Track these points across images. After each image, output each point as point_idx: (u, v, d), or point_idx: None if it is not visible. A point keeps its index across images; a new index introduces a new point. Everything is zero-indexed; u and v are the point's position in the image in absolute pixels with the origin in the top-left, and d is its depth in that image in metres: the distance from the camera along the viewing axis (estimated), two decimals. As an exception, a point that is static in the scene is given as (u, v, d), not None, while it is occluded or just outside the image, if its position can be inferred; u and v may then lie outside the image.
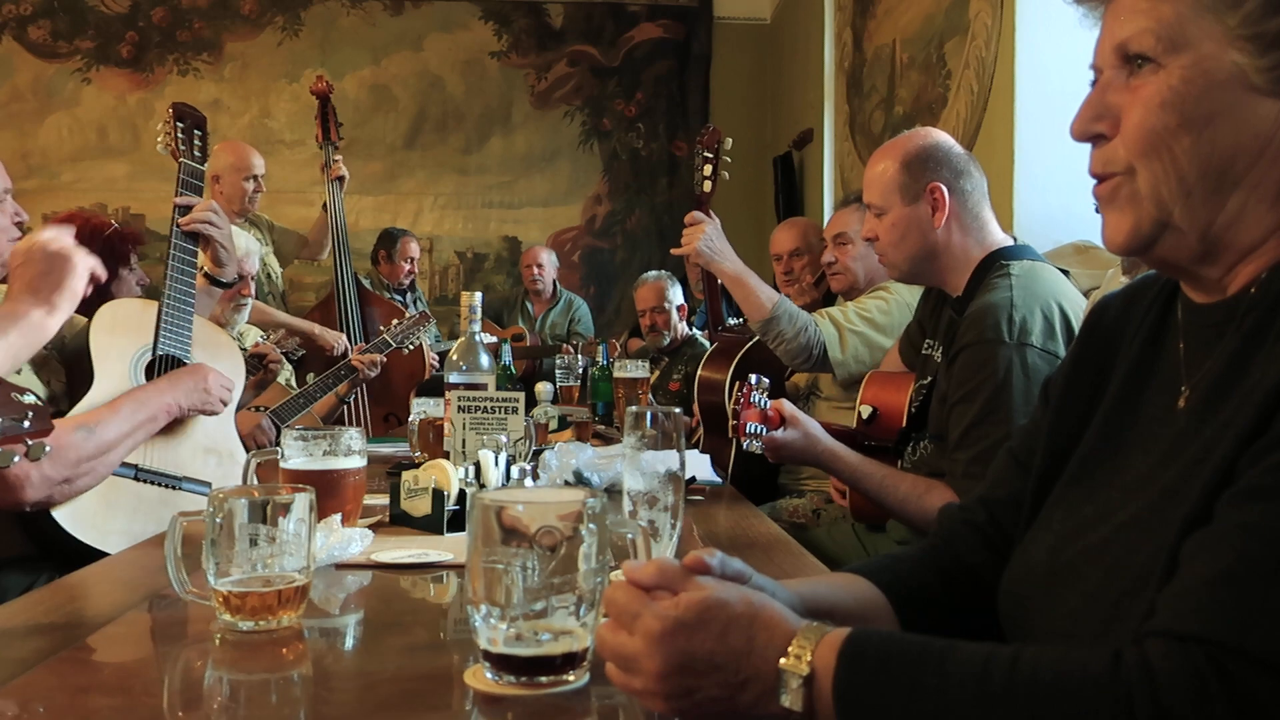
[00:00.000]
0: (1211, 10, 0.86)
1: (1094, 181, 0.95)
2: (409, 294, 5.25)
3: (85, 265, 1.94)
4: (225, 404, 2.19)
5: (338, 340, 4.13)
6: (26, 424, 1.15)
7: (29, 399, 1.18)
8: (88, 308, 2.36)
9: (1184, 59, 0.86)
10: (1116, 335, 1.04)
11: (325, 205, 4.65)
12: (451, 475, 1.64)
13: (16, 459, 1.15)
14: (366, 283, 4.97)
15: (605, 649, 0.84)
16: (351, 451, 1.57)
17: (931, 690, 0.74)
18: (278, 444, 1.60)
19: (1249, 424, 0.77)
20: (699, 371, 3.19)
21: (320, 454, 1.56)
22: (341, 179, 4.60)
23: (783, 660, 0.78)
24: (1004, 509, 1.09)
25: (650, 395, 3.25)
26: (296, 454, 1.55)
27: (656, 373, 4.08)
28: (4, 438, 1.13)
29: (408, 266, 5.20)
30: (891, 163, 2.01)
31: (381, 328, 3.81)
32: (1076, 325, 1.84)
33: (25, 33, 6.44)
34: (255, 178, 4.27)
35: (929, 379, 2.07)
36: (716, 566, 0.87)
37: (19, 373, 2.02)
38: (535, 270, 5.80)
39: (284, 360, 3.41)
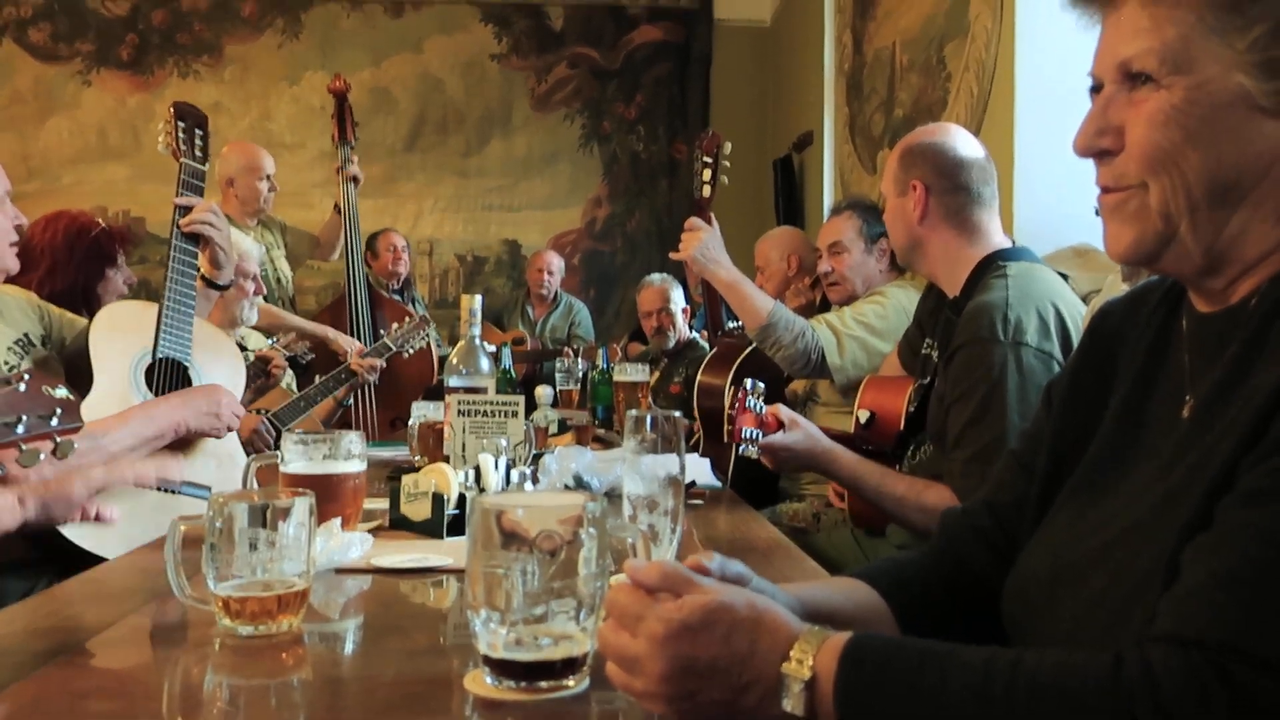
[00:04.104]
0: (1217, 33, 0.86)
1: (1097, 188, 0.95)
2: (405, 293, 5.24)
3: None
4: (232, 430, 2.19)
5: (351, 346, 4.11)
6: (55, 421, 1.13)
7: (60, 393, 1.15)
8: (73, 308, 2.37)
9: (1188, 80, 0.87)
10: (1120, 341, 1.04)
11: (337, 206, 4.64)
12: (451, 479, 1.64)
13: (43, 457, 1.12)
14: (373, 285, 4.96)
15: (607, 650, 0.84)
16: (351, 455, 1.57)
17: (932, 694, 0.75)
18: (277, 447, 1.60)
19: (1248, 428, 0.77)
20: (699, 376, 3.19)
21: (320, 458, 1.55)
22: (356, 179, 4.58)
23: (785, 664, 0.78)
24: (1008, 513, 1.09)
25: (650, 398, 3.25)
26: (296, 458, 1.55)
27: (656, 375, 4.08)
28: (30, 435, 1.11)
29: (390, 255, 5.17)
30: (896, 153, 2.08)
31: (382, 331, 3.80)
32: (1072, 327, 1.84)
33: (25, 35, 6.44)
34: (268, 177, 4.25)
35: (928, 379, 2.07)
36: (715, 570, 0.87)
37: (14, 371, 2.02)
38: (546, 276, 5.79)
39: (287, 367, 3.40)
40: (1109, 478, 0.96)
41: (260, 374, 3.12)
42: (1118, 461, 0.96)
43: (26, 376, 1.13)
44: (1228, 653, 0.69)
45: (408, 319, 3.73)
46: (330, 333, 4.12)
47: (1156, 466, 0.90)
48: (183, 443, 2.15)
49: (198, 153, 2.42)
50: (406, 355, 3.67)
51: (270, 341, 3.48)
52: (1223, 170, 0.87)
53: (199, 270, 2.37)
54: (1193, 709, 0.68)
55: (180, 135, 2.40)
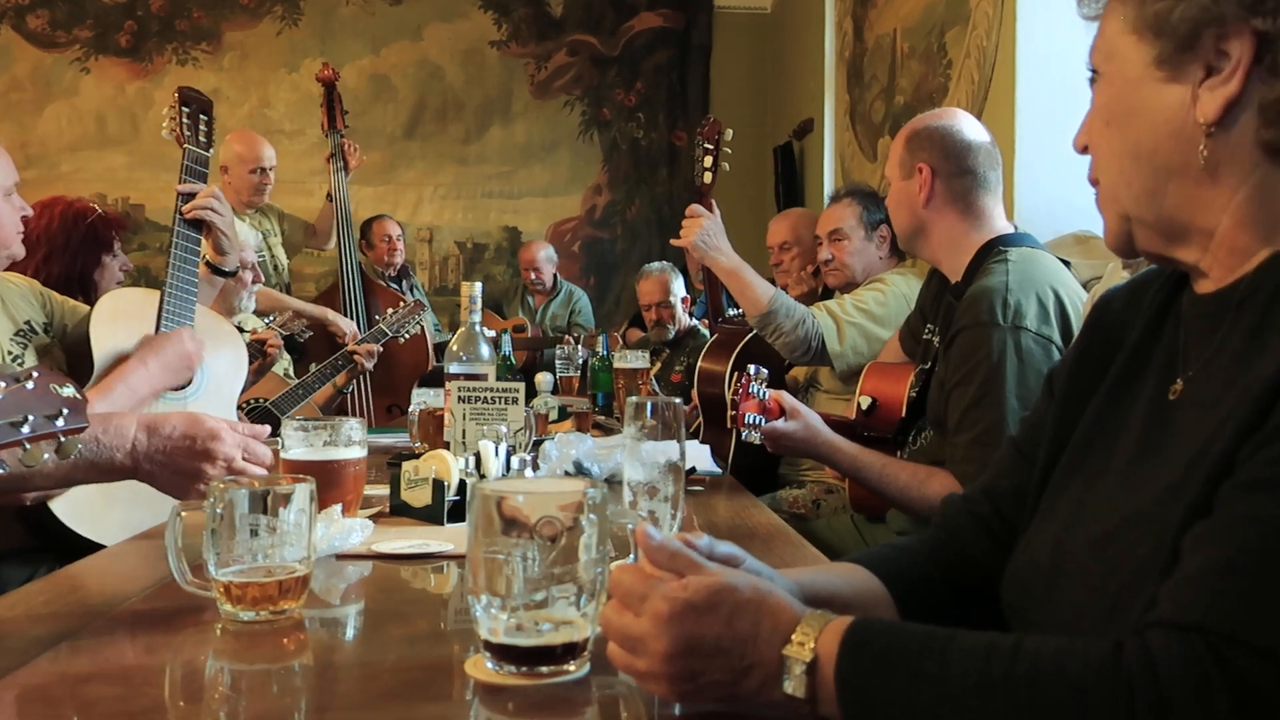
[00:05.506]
0: (1122, 14, 0.92)
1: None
2: (404, 281, 5.23)
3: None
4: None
5: (350, 327, 4.11)
6: (61, 421, 1.11)
7: (68, 392, 1.13)
8: (69, 294, 2.36)
9: (1113, 65, 0.92)
10: (1120, 328, 1.04)
11: (330, 195, 4.64)
12: (452, 466, 1.64)
13: (47, 457, 1.11)
14: (366, 274, 4.96)
15: (610, 630, 0.84)
16: (352, 442, 1.57)
17: (933, 678, 0.75)
18: (274, 434, 1.60)
19: (1248, 416, 0.77)
20: (699, 363, 3.19)
21: (320, 444, 1.55)
22: (346, 167, 4.58)
23: (787, 647, 0.79)
24: (1007, 500, 1.09)
25: (654, 385, 3.25)
26: (296, 444, 1.55)
27: (658, 364, 4.08)
28: (34, 435, 1.09)
29: (386, 245, 5.16)
30: (901, 137, 2.08)
31: (377, 316, 3.80)
32: (1072, 312, 1.85)
33: (24, 22, 6.42)
34: (263, 170, 4.24)
35: (929, 364, 2.07)
36: (704, 548, 0.88)
37: (19, 361, 2.02)
38: (533, 274, 5.76)
39: (282, 348, 3.40)
40: (1099, 456, 0.97)
41: (256, 355, 3.12)
42: (1107, 440, 0.97)
43: (35, 374, 1.12)
44: (1227, 640, 0.69)
45: (402, 304, 3.73)
46: (330, 314, 4.12)
47: (1145, 445, 0.91)
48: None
49: (201, 138, 2.40)
50: (402, 340, 3.67)
51: (266, 321, 3.48)
52: (1142, 144, 0.91)
53: (202, 256, 2.37)
54: (1192, 696, 0.68)
55: (184, 121, 2.39)
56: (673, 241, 2.78)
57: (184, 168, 2.35)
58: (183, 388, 2.18)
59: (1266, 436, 0.75)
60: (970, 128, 2.03)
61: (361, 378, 4.04)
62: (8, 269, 2.15)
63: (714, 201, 2.80)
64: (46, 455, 1.11)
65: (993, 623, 1.01)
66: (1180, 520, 0.79)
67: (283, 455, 1.55)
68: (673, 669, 0.79)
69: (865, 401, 2.31)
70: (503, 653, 0.90)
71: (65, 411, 1.12)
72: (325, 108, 4.70)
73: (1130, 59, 0.91)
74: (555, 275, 5.89)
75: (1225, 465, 0.78)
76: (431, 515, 1.63)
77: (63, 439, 1.12)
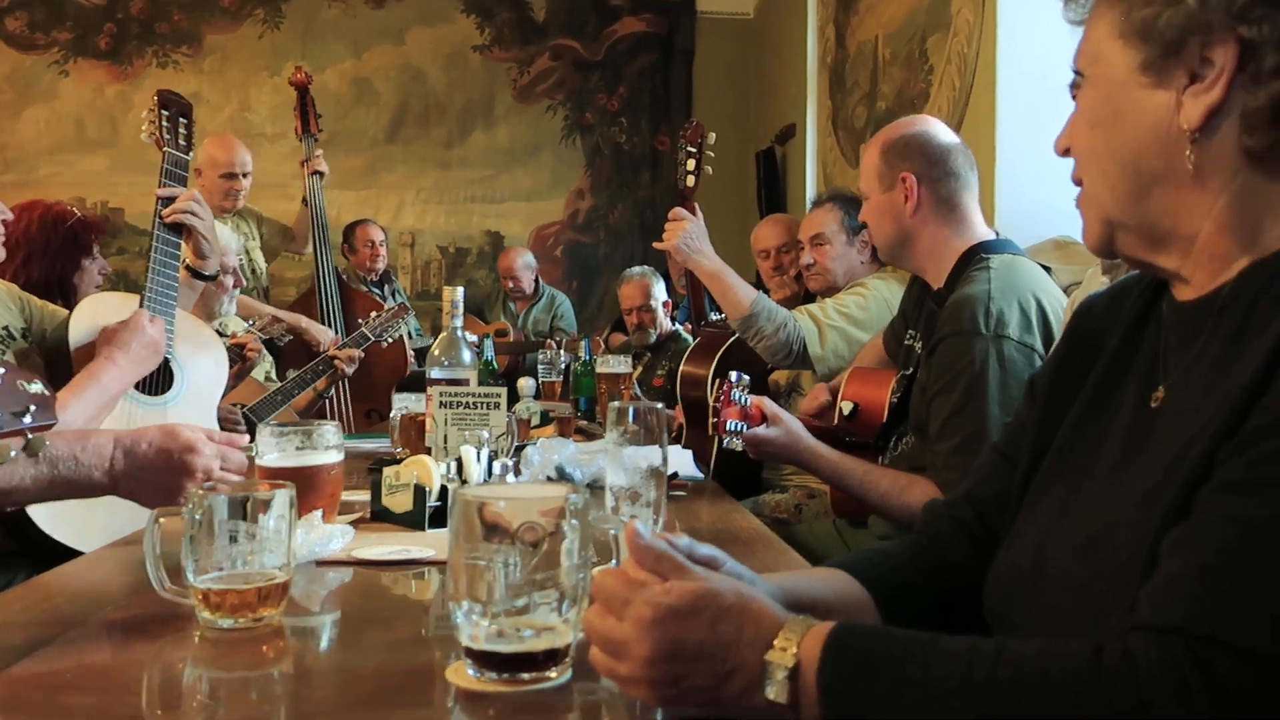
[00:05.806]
0: (1109, 18, 0.92)
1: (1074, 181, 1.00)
2: (385, 286, 5.21)
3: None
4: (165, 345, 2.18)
5: (325, 335, 4.08)
6: (28, 418, 1.09)
7: (35, 388, 1.11)
8: (48, 298, 2.34)
9: (1098, 69, 0.93)
10: (1101, 334, 1.05)
11: (305, 199, 4.61)
12: (433, 471, 1.63)
13: (14, 453, 1.09)
14: (346, 278, 4.93)
15: (593, 634, 0.84)
16: (327, 446, 1.55)
17: (915, 682, 0.75)
18: (252, 438, 1.58)
19: (1226, 420, 0.78)
20: (681, 367, 3.19)
21: (294, 449, 1.54)
22: (320, 173, 4.56)
23: (769, 652, 0.79)
24: (989, 506, 1.09)
25: (637, 389, 3.25)
26: (271, 450, 1.53)
27: (639, 368, 4.08)
28: (1, 433, 1.08)
29: (369, 251, 5.14)
30: (875, 150, 2.07)
31: (360, 320, 3.78)
32: (1054, 320, 1.85)
33: (2, 24, 6.38)
34: (235, 175, 4.20)
35: (911, 370, 2.08)
36: (684, 549, 0.88)
37: None
38: (511, 283, 5.75)
39: (263, 351, 3.37)
40: (1081, 461, 0.97)
41: (236, 359, 3.10)
42: (1088, 446, 0.98)
43: (1, 370, 1.11)
44: (1205, 642, 0.69)
45: (386, 308, 3.70)
46: (304, 321, 4.09)
47: (1128, 452, 0.91)
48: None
49: (181, 142, 2.38)
50: (385, 345, 3.64)
51: (247, 325, 3.47)
52: (1126, 149, 0.91)
53: (182, 261, 2.35)
54: (1172, 697, 0.69)
55: (164, 124, 2.37)
56: (655, 245, 2.78)
57: (164, 171, 2.34)
58: (163, 391, 2.17)
59: (1243, 440, 0.76)
60: (943, 131, 2.05)
61: (340, 384, 4.01)
62: (-13, 273, 2.14)
63: (696, 205, 2.80)
64: (14, 452, 1.09)
65: (975, 627, 1.01)
66: (1159, 523, 0.79)
67: (258, 462, 1.54)
68: (655, 673, 0.79)
69: (847, 407, 2.31)
70: (484, 659, 0.90)
71: (33, 408, 1.10)
72: (299, 112, 4.66)
73: (1116, 63, 0.91)
74: (537, 280, 5.88)
75: (1203, 468, 0.78)
76: (413, 521, 1.62)
77: (30, 436, 1.10)
